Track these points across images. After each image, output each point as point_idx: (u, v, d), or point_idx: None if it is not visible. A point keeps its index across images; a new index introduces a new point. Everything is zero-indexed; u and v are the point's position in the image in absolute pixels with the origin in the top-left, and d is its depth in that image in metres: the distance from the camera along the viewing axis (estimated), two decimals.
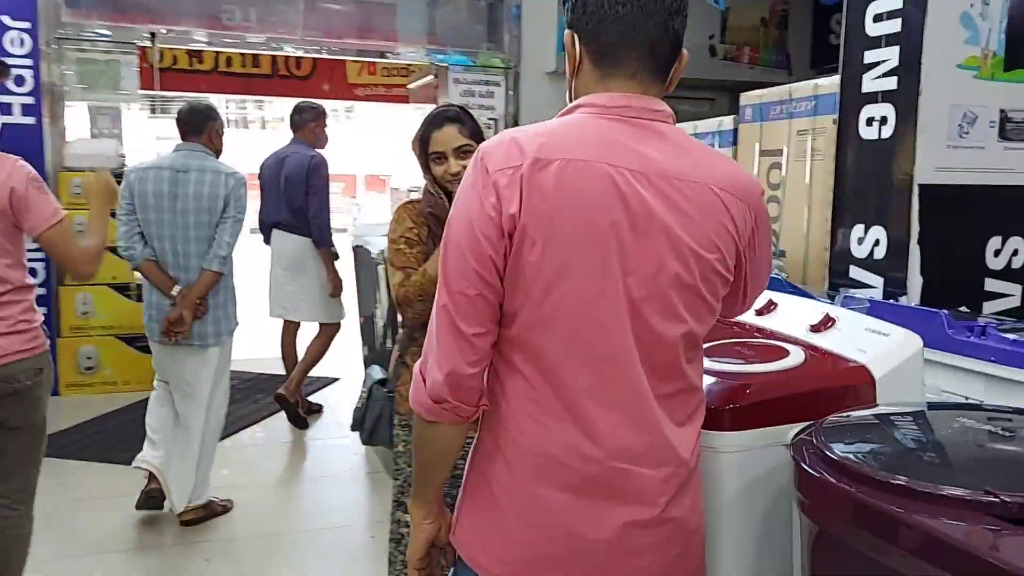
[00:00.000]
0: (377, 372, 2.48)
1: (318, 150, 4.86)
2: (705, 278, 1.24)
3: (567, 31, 1.30)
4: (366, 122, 21.34)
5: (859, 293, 3.02)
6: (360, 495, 4.13)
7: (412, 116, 7.77)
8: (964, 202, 2.95)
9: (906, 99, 2.90)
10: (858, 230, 3.13)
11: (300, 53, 7.50)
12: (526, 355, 1.24)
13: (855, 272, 3.14)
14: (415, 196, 2.34)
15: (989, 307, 3.02)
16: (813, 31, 7.21)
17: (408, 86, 7.48)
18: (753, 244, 1.31)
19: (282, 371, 5.11)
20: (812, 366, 1.65)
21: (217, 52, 8.90)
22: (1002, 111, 2.96)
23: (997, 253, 3.02)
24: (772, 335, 1.87)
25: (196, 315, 3.37)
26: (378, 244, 3.49)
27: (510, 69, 6.62)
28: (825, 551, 1.32)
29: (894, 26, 2.92)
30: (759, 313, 2.01)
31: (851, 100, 3.14)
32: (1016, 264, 3.04)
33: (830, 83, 3.47)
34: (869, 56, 3.04)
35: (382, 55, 7.11)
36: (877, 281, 3.05)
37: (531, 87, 6.51)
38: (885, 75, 2.97)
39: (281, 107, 12.92)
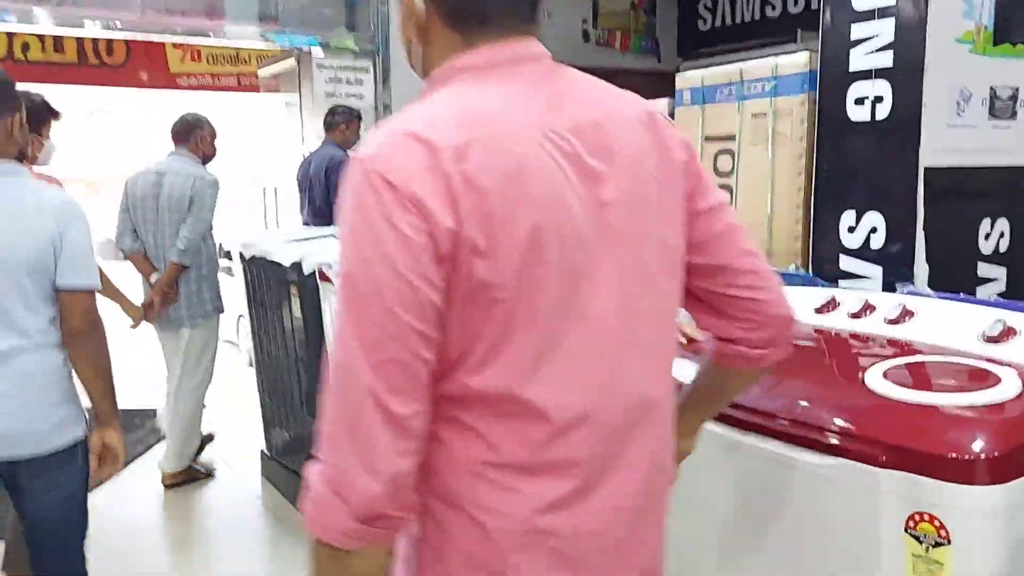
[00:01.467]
0: None
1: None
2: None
3: None
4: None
5: (855, 284, 2.81)
6: None
7: (263, 106, 6.99)
8: (960, 184, 2.80)
9: (906, 76, 2.70)
10: (848, 217, 2.92)
11: (103, 33, 6.52)
12: (485, 410, 0.96)
13: (847, 263, 2.93)
14: None
15: (982, 292, 2.90)
16: (680, 17, 7.15)
17: (260, 72, 6.69)
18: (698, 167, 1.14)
19: None
20: None
21: (9, 35, 7.66)
22: (991, 88, 2.84)
23: (987, 237, 2.91)
24: (943, 351, 1.55)
25: (167, 301, 3.97)
26: (313, 257, 2.89)
27: (376, 54, 6.04)
28: None
29: None
30: (893, 322, 1.69)
31: (835, 78, 2.92)
32: (1003, 247, 2.95)
33: (793, 61, 3.25)
34: (857, 30, 2.83)
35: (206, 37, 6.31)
36: (874, 271, 2.85)
37: (407, 73, 5.96)
38: (879, 50, 2.77)
39: (103, 97, 11.44)
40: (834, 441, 1.35)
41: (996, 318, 1.54)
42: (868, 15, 2.78)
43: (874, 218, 2.84)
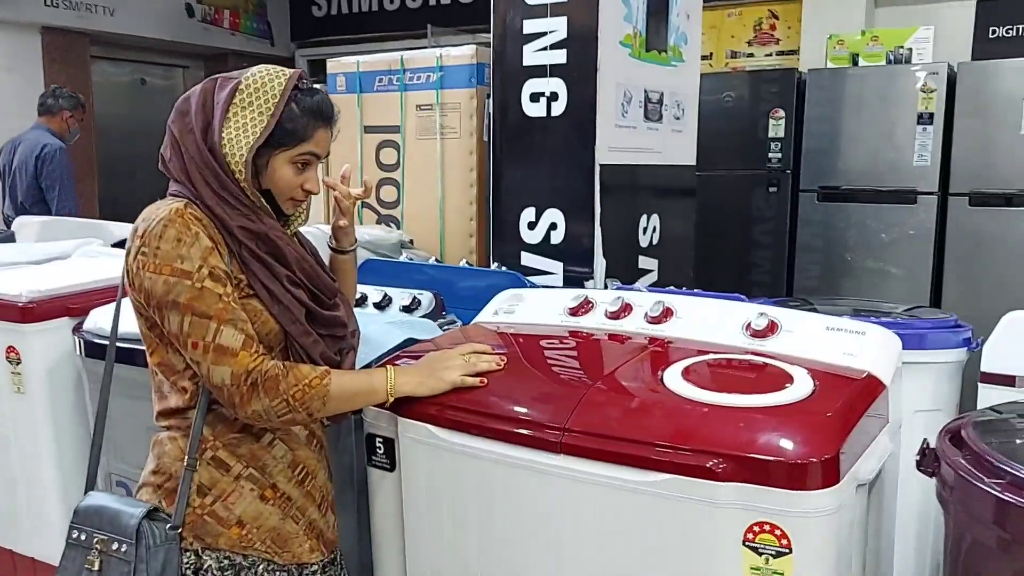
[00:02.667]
0: (107, 499, 1.45)
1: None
2: None
3: None
4: None
5: (537, 280, 2.82)
6: None
7: None
8: (624, 182, 2.95)
9: (580, 74, 2.75)
10: (528, 214, 2.92)
11: None
12: None
13: (528, 259, 2.93)
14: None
15: (642, 283, 3.09)
16: (293, 1, 6.78)
17: None
18: None
19: None
20: (830, 388, 1.37)
21: None
22: (645, 91, 3.03)
23: (644, 231, 3.10)
24: (718, 349, 1.53)
25: None
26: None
27: None
28: None
29: None
30: (655, 321, 1.65)
31: (509, 74, 2.89)
32: (655, 240, 3.17)
33: (460, 53, 3.18)
34: (530, 25, 2.82)
35: None
36: (555, 267, 2.89)
37: None
38: (552, 47, 2.79)
39: None
40: (656, 455, 1.25)
41: (757, 312, 1.57)
42: (540, 11, 2.79)
43: (554, 215, 2.87)
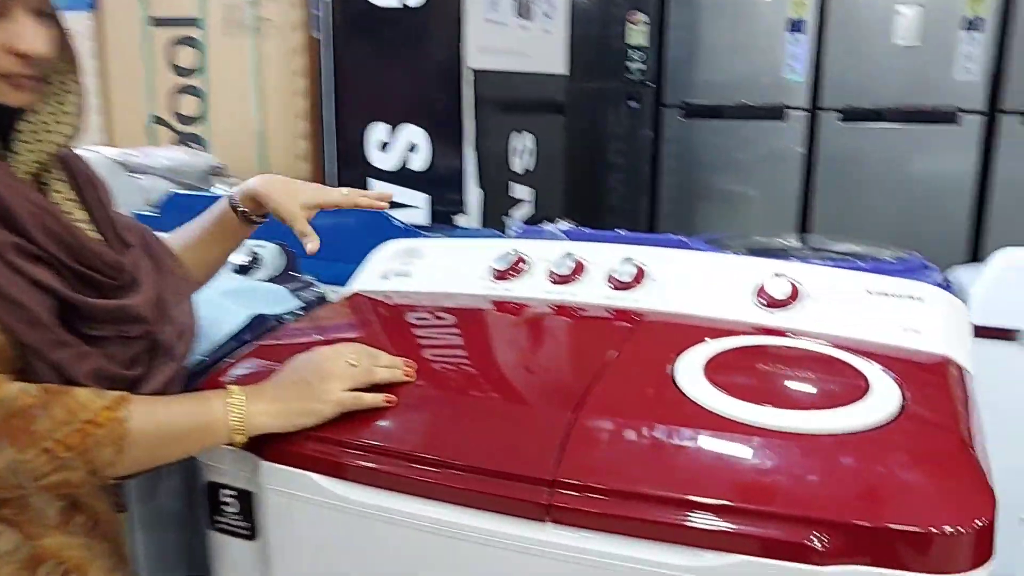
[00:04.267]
0: None
1: None
2: None
3: None
4: None
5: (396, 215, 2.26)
6: None
7: None
8: (496, 92, 2.41)
9: None
10: (378, 132, 2.32)
11: None
12: None
13: (380, 188, 2.34)
14: None
15: (515, 215, 2.59)
16: None
17: None
18: None
19: None
20: (921, 391, 0.94)
21: None
22: None
23: (517, 153, 2.59)
24: (724, 328, 1.07)
25: None
26: None
27: None
28: None
29: None
30: (624, 286, 1.16)
31: None
32: (531, 165, 2.67)
33: None
34: None
35: None
36: (418, 199, 2.33)
37: None
38: None
39: None
40: (714, 522, 0.77)
41: (772, 272, 1.12)
42: None
43: (412, 133, 2.29)
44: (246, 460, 0.96)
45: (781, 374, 0.96)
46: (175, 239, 1.13)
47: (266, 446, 0.94)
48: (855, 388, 0.91)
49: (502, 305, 1.20)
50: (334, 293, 1.76)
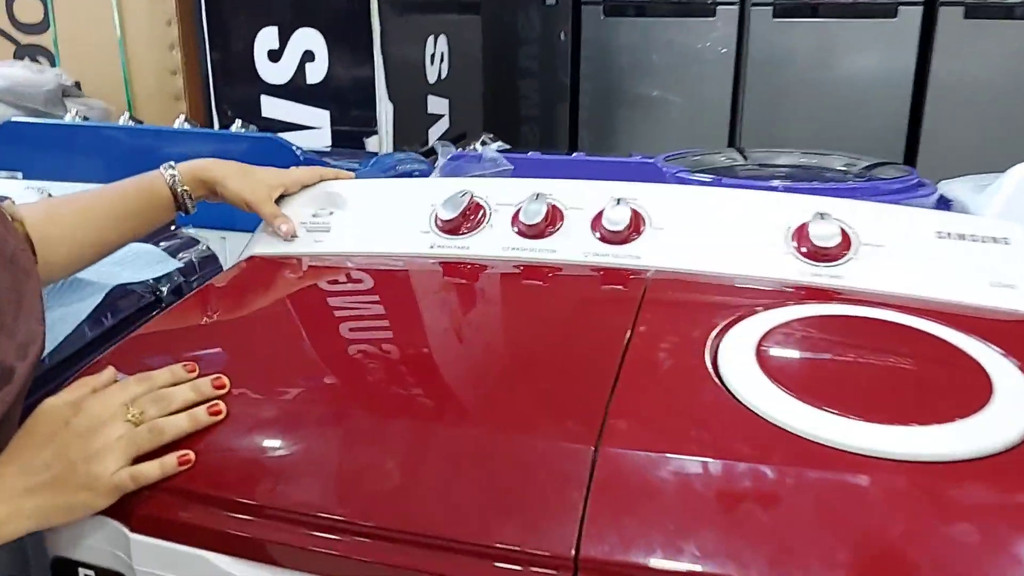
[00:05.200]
0: None
1: None
2: None
3: None
4: None
5: (293, 140, 1.89)
6: None
7: None
8: None
9: None
10: (267, 38, 1.93)
11: None
12: None
13: (274, 107, 1.97)
14: None
15: (433, 133, 2.26)
16: None
17: None
18: None
19: None
20: None
21: None
22: None
23: (432, 59, 2.24)
24: (754, 292, 0.81)
25: None
26: None
27: None
28: None
29: None
30: (621, 240, 0.89)
31: None
32: (444, 73, 2.32)
33: None
34: None
35: None
36: (318, 118, 1.97)
37: None
38: None
39: None
40: None
41: (813, 211, 0.85)
42: None
43: (308, 37, 1.91)
44: (110, 532, 0.66)
45: (868, 364, 0.70)
46: (59, 206, 0.88)
47: (137, 509, 0.64)
48: (973, 382, 0.66)
49: (455, 268, 0.90)
50: (223, 240, 1.43)
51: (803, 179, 1.48)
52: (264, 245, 0.97)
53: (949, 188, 1.56)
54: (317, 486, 0.62)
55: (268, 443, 0.67)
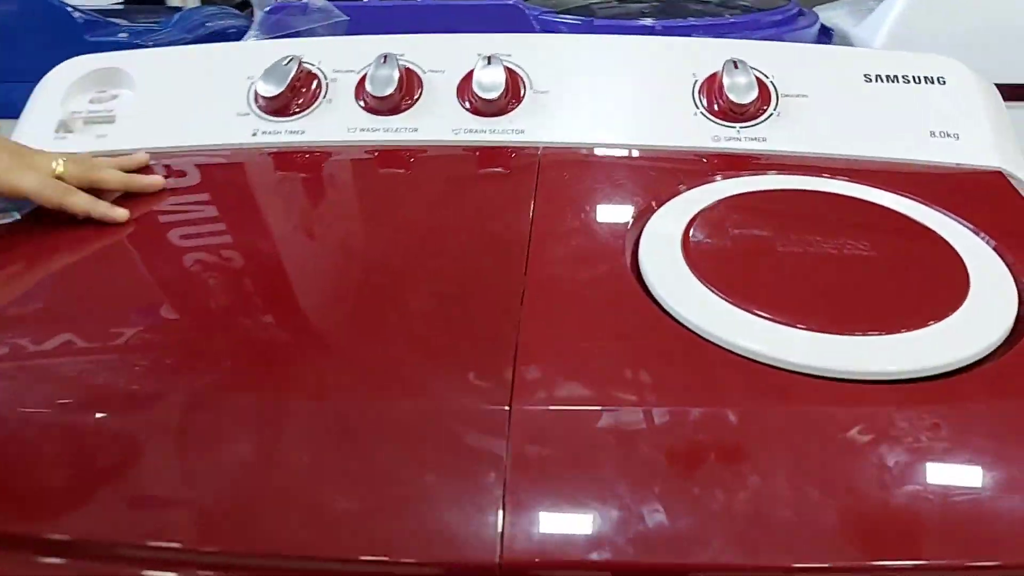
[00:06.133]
0: None
1: None
2: None
3: None
4: None
5: None
6: None
7: None
8: None
9: None
10: None
11: None
12: None
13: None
14: None
15: None
16: None
17: None
18: None
19: None
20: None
21: None
22: None
23: None
24: (660, 156, 0.66)
25: None
26: None
27: None
28: None
29: None
30: (491, 111, 0.71)
31: None
32: None
33: None
34: None
35: None
36: None
37: None
38: None
39: None
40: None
41: (722, 59, 0.69)
42: None
43: None
44: None
45: (821, 254, 0.57)
46: None
47: None
48: (945, 272, 0.55)
49: (288, 160, 0.70)
50: None
51: (676, 15, 1.32)
52: (33, 143, 0.73)
53: (827, 16, 1.45)
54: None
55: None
